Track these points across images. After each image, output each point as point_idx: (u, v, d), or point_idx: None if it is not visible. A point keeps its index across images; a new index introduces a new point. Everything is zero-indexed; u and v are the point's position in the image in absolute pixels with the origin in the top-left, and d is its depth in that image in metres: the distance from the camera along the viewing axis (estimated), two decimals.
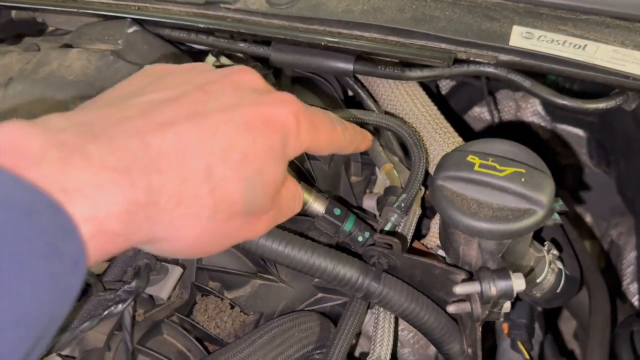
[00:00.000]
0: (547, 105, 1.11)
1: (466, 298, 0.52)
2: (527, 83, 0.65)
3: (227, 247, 0.38)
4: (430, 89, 1.10)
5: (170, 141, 0.32)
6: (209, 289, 0.59)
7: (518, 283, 0.45)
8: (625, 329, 0.74)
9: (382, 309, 0.60)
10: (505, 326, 0.74)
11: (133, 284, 0.49)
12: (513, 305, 0.76)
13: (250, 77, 0.40)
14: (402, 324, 0.68)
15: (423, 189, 0.72)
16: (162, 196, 0.31)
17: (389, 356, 0.58)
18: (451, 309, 0.52)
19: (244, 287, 0.63)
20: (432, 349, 0.70)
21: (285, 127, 0.38)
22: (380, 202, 0.70)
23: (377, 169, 0.78)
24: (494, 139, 0.51)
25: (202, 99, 0.36)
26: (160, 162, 0.31)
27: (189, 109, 0.35)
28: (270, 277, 0.63)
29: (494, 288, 0.45)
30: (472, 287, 0.46)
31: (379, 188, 0.80)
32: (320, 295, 0.66)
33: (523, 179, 0.47)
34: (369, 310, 0.63)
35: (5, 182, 0.25)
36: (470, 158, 0.49)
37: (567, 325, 1.15)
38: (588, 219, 1.33)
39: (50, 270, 0.26)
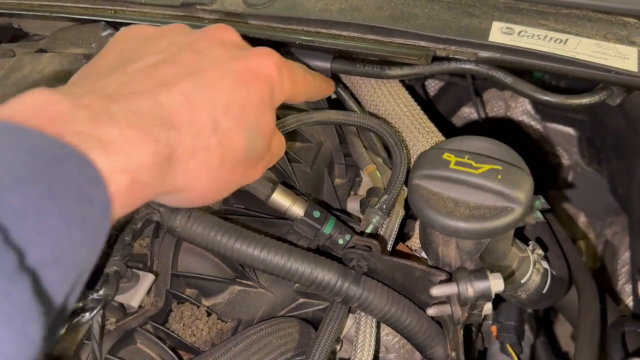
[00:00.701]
0: (537, 104, 1.10)
1: (446, 300, 0.50)
2: (509, 80, 0.64)
3: (232, 191, 0.42)
4: (416, 90, 1.09)
5: (178, 99, 0.35)
6: (185, 297, 0.57)
7: (496, 284, 0.44)
8: (617, 330, 0.72)
9: (363, 313, 0.58)
10: (494, 329, 0.73)
11: (101, 292, 0.47)
12: (498, 306, 0.74)
13: (229, 33, 0.43)
14: (387, 329, 0.66)
15: (406, 189, 0.71)
16: (179, 149, 0.34)
17: (371, 357, 0.56)
18: (431, 311, 0.51)
19: (221, 294, 0.61)
20: (418, 355, 0.68)
21: (271, 78, 0.41)
22: (363, 204, 0.69)
23: (360, 172, 0.77)
24: (472, 137, 0.50)
25: (195, 57, 0.39)
26: (174, 119, 0.34)
27: (186, 68, 0.37)
28: (249, 282, 0.62)
29: (471, 289, 0.44)
30: (450, 289, 0.45)
31: (363, 190, 0.79)
32: (301, 300, 0.64)
33: (499, 176, 0.45)
34: (352, 315, 0.62)
35: (40, 138, 0.28)
36: (446, 156, 0.47)
37: (565, 327, 1.13)
38: (582, 218, 1.32)
39: (83, 213, 0.28)
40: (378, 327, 0.59)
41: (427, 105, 1.08)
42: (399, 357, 0.67)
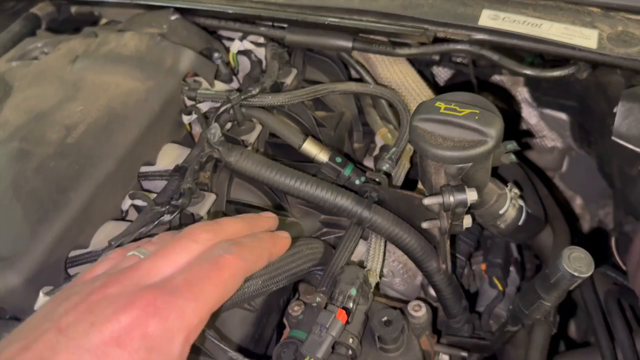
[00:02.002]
0: (533, 92, 1.25)
1: (436, 216, 0.65)
2: (495, 57, 0.79)
3: None
4: (427, 77, 1.25)
5: None
6: None
7: (471, 194, 0.59)
8: (612, 299, 0.85)
9: (374, 235, 0.74)
10: (483, 266, 0.88)
11: (179, 201, 0.64)
12: (487, 248, 0.89)
13: (107, 286, 0.40)
14: (393, 256, 0.82)
15: (412, 148, 0.87)
16: None
17: (379, 269, 0.72)
18: (425, 224, 0.66)
19: None
20: (418, 279, 0.83)
21: (145, 337, 0.37)
22: (376, 159, 0.85)
23: (375, 137, 0.93)
24: (459, 92, 0.66)
25: (51, 338, 0.37)
26: None
27: (36, 349, 0.36)
28: (285, 213, 0.78)
29: (452, 197, 0.59)
30: (436, 199, 0.60)
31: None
32: (325, 229, 0.80)
33: (477, 117, 0.61)
34: (364, 242, 0.77)
35: None
36: (437, 104, 0.63)
37: None
38: (578, 201, 1.45)
39: None
40: (385, 246, 0.75)
41: (436, 90, 1.23)
42: (403, 281, 0.83)
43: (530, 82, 1.22)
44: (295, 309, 0.68)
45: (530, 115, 1.29)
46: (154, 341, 0.38)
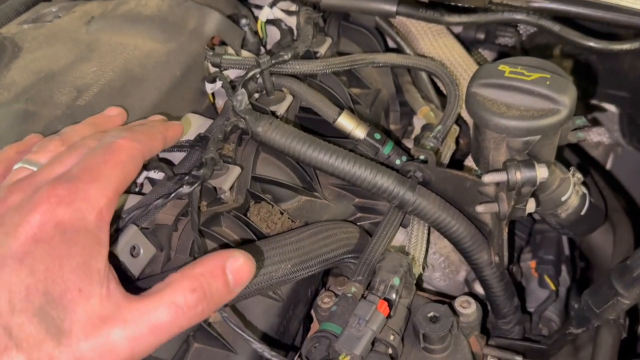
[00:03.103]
0: (580, 80, 1.15)
1: (494, 199, 0.57)
2: (556, 27, 0.71)
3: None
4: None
5: None
6: (262, 196, 0.66)
7: (541, 171, 0.51)
8: None
9: (416, 220, 0.66)
10: (532, 263, 0.79)
11: (200, 171, 0.56)
12: (537, 243, 0.80)
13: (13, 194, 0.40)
14: (434, 248, 0.73)
15: (458, 128, 0.78)
16: None
17: (422, 259, 0.63)
18: (480, 208, 0.58)
19: (291, 201, 0.69)
20: (462, 275, 0.75)
21: (58, 221, 0.38)
22: (417, 139, 0.77)
23: (414, 119, 0.85)
24: (523, 57, 0.57)
25: None
26: None
27: None
28: (315, 194, 0.70)
29: (519, 174, 0.51)
30: (500, 176, 0.52)
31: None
32: (359, 214, 0.72)
33: (548, 82, 0.52)
34: (404, 230, 0.69)
35: None
36: (501, 67, 0.55)
37: None
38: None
39: None
40: (429, 233, 0.66)
41: None
42: (444, 276, 0.74)
43: (577, 70, 1.13)
44: (326, 301, 0.60)
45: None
46: (65, 225, 0.38)
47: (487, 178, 0.52)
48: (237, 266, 0.42)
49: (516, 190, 0.52)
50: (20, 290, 0.36)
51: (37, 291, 0.36)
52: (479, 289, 0.70)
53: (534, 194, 0.60)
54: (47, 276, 0.36)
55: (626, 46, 0.69)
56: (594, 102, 1.18)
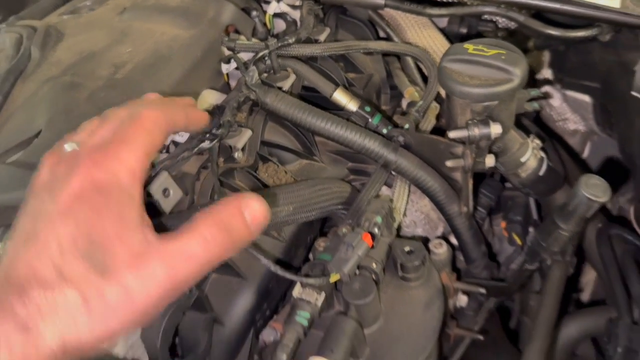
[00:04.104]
0: (557, 73, 1.27)
1: (461, 155, 0.69)
2: (521, 18, 0.83)
3: (138, 321, 0.42)
4: None
5: (22, 267, 0.40)
6: (269, 158, 0.78)
7: (495, 127, 0.63)
8: (604, 234, 0.88)
9: (399, 178, 0.78)
10: (503, 224, 0.90)
11: (219, 130, 0.68)
12: (506, 206, 0.92)
13: (55, 163, 0.47)
14: (416, 206, 0.85)
15: (438, 106, 0.90)
16: (41, 309, 0.38)
17: (403, 209, 0.75)
18: (449, 163, 0.69)
19: (293, 163, 0.82)
20: (439, 230, 0.87)
21: (96, 182, 0.43)
22: (402, 113, 0.89)
23: (402, 101, 0.97)
24: (484, 39, 0.69)
25: (28, 219, 0.44)
26: (24, 285, 0.39)
27: (22, 235, 0.42)
28: (314, 157, 0.82)
29: (477, 130, 0.63)
30: (462, 132, 0.64)
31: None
32: (352, 177, 0.84)
33: (503, 57, 0.64)
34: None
35: None
36: (466, 46, 0.67)
37: None
38: None
39: None
40: (409, 189, 0.78)
41: None
42: (424, 231, 0.86)
43: (555, 63, 1.25)
44: (322, 244, 0.72)
45: (553, 98, 1.31)
46: (102, 184, 0.43)
47: (452, 134, 0.64)
48: (252, 207, 0.47)
49: (475, 144, 0.63)
50: (68, 239, 0.41)
51: (82, 239, 0.41)
52: (453, 241, 0.81)
53: (497, 155, 0.72)
54: (90, 227, 0.41)
55: (580, 33, 0.81)
56: (569, 92, 1.30)
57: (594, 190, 0.58)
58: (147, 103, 0.56)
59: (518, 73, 0.64)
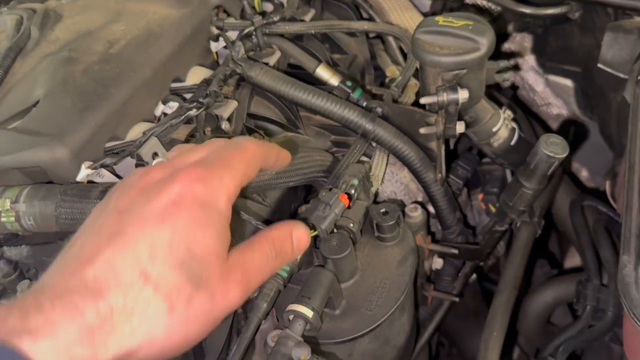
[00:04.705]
0: (539, 58, 1.31)
1: (433, 123, 0.73)
2: None
3: (211, 327, 0.43)
4: None
5: (102, 268, 0.38)
6: (255, 129, 0.82)
7: (462, 93, 0.67)
8: (577, 204, 0.93)
9: (378, 147, 0.82)
10: (480, 196, 0.95)
11: (206, 99, 0.73)
12: (484, 180, 0.96)
13: (153, 174, 0.45)
14: (395, 178, 0.89)
15: (418, 84, 0.94)
16: (114, 314, 0.37)
17: (382, 176, 0.79)
18: (422, 130, 0.74)
19: (278, 136, 0.86)
20: (420, 196, 0.91)
21: (197, 196, 0.42)
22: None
23: (385, 80, 1.01)
24: (455, 12, 0.74)
25: (116, 219, 0.41)
26: (101, 288, 0.37)
27: (106, 235, 0.40)
28: (299, 130, 0.86)
29: (446, 95, 0.67)
30: (432, 98, 0.68)
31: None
32: (334, 149, 0.88)
33: (470, 28, 0.69)
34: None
35: None
36: (436, 18, 0.71)
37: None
38: (584, 173, 1.50)
39: None
40: (387, 158, 0.82)
41: None
42: (404, 201, 0.90)
43: (536, 49, 1.29)
44: (303, 209, 0.76)
45: (536, 83, 1.35)
46: (202, 199, 0.43)
47: (423, 100, 0.69)
48: (299, 234, 0.53)
49: (445, 109, 0.68)
50: (163, 244, 0.40)
51: (180, 248, 0.40)
52: (430, 209, 0.85)
53: (469, 125, 0.77)
54: (190, 236, 0.41)
55: (550, 11, 0.85)
56: (551, 77, 1.34)
57: (553, 147, 0.62)
58: (245, 138, 0.57)
59: (485, 42, 0.68)
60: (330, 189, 0.70)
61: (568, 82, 1.33)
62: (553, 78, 1.34)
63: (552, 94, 1.36)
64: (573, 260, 1.29)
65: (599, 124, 1.25)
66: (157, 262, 0.39)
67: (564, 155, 0.61)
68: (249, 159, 0.50)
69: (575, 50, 1.21)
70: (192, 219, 0.42)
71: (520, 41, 1.29)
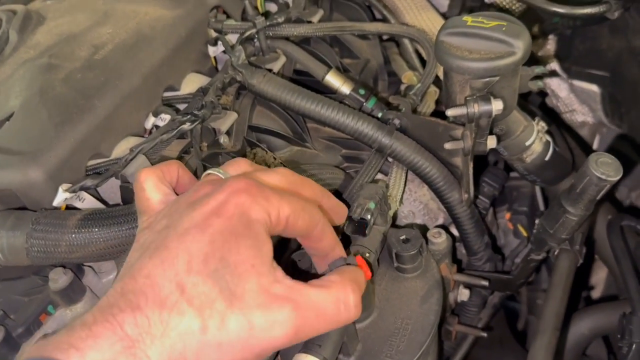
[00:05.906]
0: (563, 62, 1.22)
1: (460, 137, 0.64)
2: None
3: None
4: None
5: (142, 282, 0.38)
6: (257, 143, 0.73)
7: (496, 104, 0.58)
8: (615, 225, 0.83)
9: (395, 163, 0.73)
10: (507, 215, 0.85)
11: (201, 111, 0.64)
12: (512, 197, 0.87)
13: (205, 188, 0.43)
14: (413, 196, 0.80)
15: (438, 90, 0.86)
16: (151, 326, 0.36)
17: (400, 197, 0.70)
18: (448, 145, 0.65)
19: (283, 150, 0.77)
20: (440, 221, 0.82)
21: (239, 205, 0.40)
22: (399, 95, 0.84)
23: (400, 87, 0.92)
24: (485, 11, 0.65)
25: (161, 234, 0.41)
26: (139, 301, 0.37)
27: (150, 249, 0.40)
28: (306, 144, 0.77)
29: (477, 106, 0.58)
30: (460, 110, 0.59)
31: None
32: (346, 164, 0.79)
33: (504, 29, 0.60)
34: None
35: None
36: (464, 18, 0.62)
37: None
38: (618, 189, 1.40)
39: None
40: (406, 175, 0.73)
41: None
42: (423, 222, 0.81)
43: (561, 52, 1.20)
44: None
45: (560, 88, 1.26)
46: (245, 209, 0.41)
47: (450, 112, 0.60)
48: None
49: (475, 122, 0.59)
50: (199, 255, 0.39)
51: (214, 257, 0.39)
52: (454, 232, 0.76)
53: (499, 138, 0.68)
54: (225, 246, 0.39)
55: (588, 10, 0.76)
56: (577, 82, 1.25)
57: (604, 168, 0.53)
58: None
59: (520, 46, 0.59)
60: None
61: (594, 88, 1.24)
62: (578, 83, 1.25)
63: (576, 100, 1.27)
64: (597, 275, 1.20)
65: (630, 134, 1.16)
66: (192, 273, 0.38)
67: (617, 178, 0.52)
68: (303, 203, 0.44)
69: (603, 53, 1.12)
70: (231, 228, 0.40)
71: (542, 44, 1.20)
